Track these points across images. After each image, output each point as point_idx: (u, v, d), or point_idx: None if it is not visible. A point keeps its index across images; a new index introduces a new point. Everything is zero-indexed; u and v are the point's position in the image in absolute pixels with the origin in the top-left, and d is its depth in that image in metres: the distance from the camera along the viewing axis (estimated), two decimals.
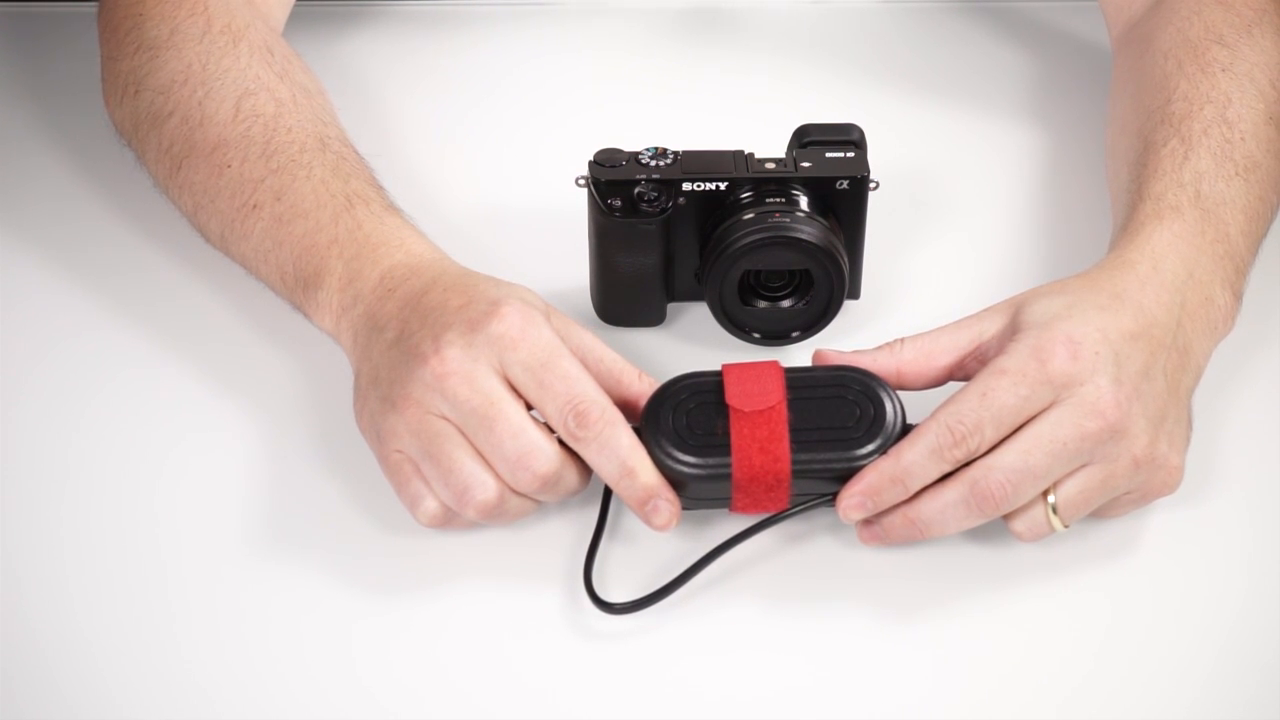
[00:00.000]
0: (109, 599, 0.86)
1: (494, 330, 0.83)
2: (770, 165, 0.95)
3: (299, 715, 0.81)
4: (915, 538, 0.84)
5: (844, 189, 0.94)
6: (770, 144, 0.97)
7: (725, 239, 0.93)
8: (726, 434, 0.83)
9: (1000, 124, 1.13)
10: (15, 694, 0.82)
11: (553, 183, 1.00)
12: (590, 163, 0.95)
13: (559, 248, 1.00)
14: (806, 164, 0.95)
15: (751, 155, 0.95)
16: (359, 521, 0.88)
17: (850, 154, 0.95)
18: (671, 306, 0.98)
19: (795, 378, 0.84)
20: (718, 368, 0.85)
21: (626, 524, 0.88)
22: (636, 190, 0.94)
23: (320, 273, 0.91)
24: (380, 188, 0.96)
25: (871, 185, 0.94)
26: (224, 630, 0.84)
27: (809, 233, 0.92)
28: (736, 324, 0.96)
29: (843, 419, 0.83)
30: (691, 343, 0.97)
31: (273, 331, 0.97)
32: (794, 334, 0.96)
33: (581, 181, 0.95)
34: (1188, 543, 0.88)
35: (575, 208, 0.96)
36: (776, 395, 0.83)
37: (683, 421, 0.83)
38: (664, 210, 0.94)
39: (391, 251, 0.90)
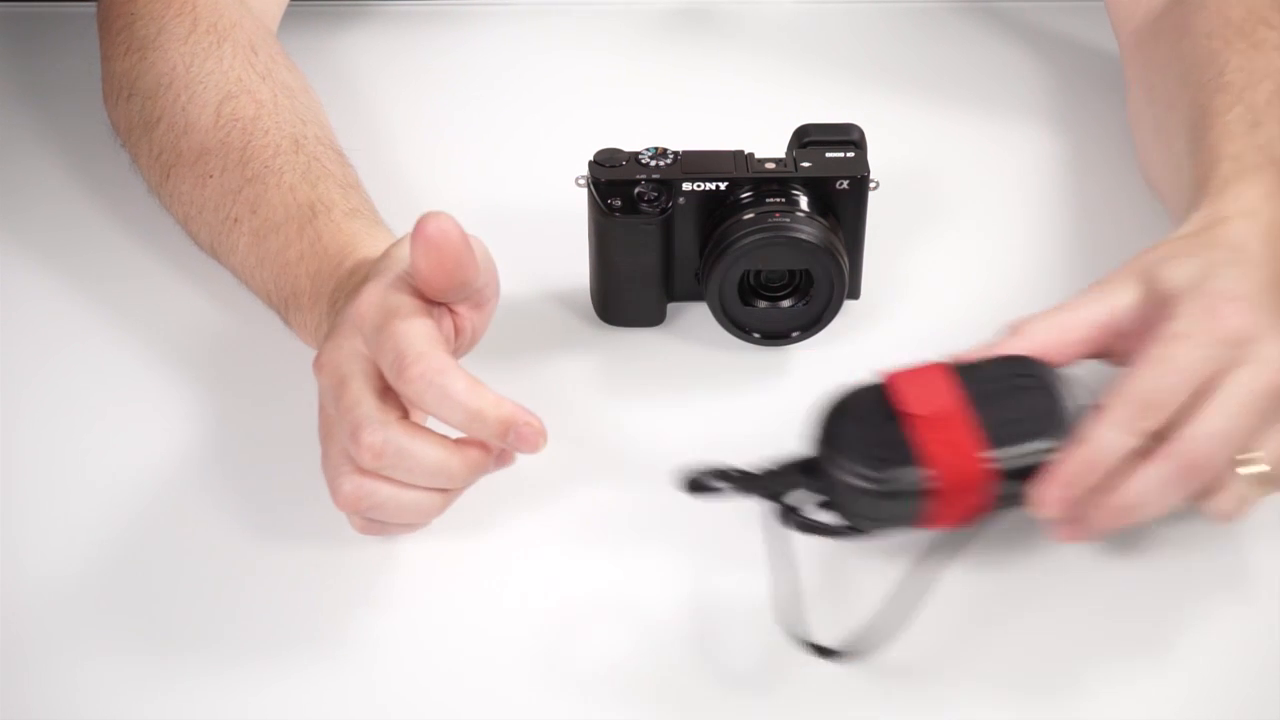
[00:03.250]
0: (111, 594, 0.85)
1: (349, 311, 0.82)
2: (770, 165, 0.95)
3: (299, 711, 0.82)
4: (1122, 523, 0.80)
5: (844, 189, 0.94)
6: (770, 144, 0.97)
7: (725, 239, 0.93)
8: (916, 443, 0.76)
9: (1000, 123, 1.13)
10: None
11: (553, 182, 1.00)
12: (590, 163, 0.95)
13: (559, 248, 1.00)
14: (806, 164, 0.95)
15: (751, 155, 0.95)
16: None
17: (850, 154, 0.95)
18: (671, 306, 0.99)
19: (964, 372, 0.79)
20: (877, 377, 0.80)
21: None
22: (636, 190, 0.94)
23: (296, 292, 0.91)
24: (349, 188, 0.95)
25: (871, 185, 0.95)
26: (225, 625, 0.84)
27: (809, 233, 0.93)
28: (736, 324, 0.96)
29: (1027, 408, 0.79)
30: (691, 343, 0.97)
31: (271, 332, 0.97)
32: (794, 334, 0.96)
33: (581, 181, 0.95)
34: (1191, 544, 0.88)
35: (575, 207, 0.96)
36: (955, 394, 0.78)
37: (862, 437, 0.78)
38: (664, 210, 0.94)
39: (344, 262, 0.89)
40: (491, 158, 1.10)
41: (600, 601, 0.85)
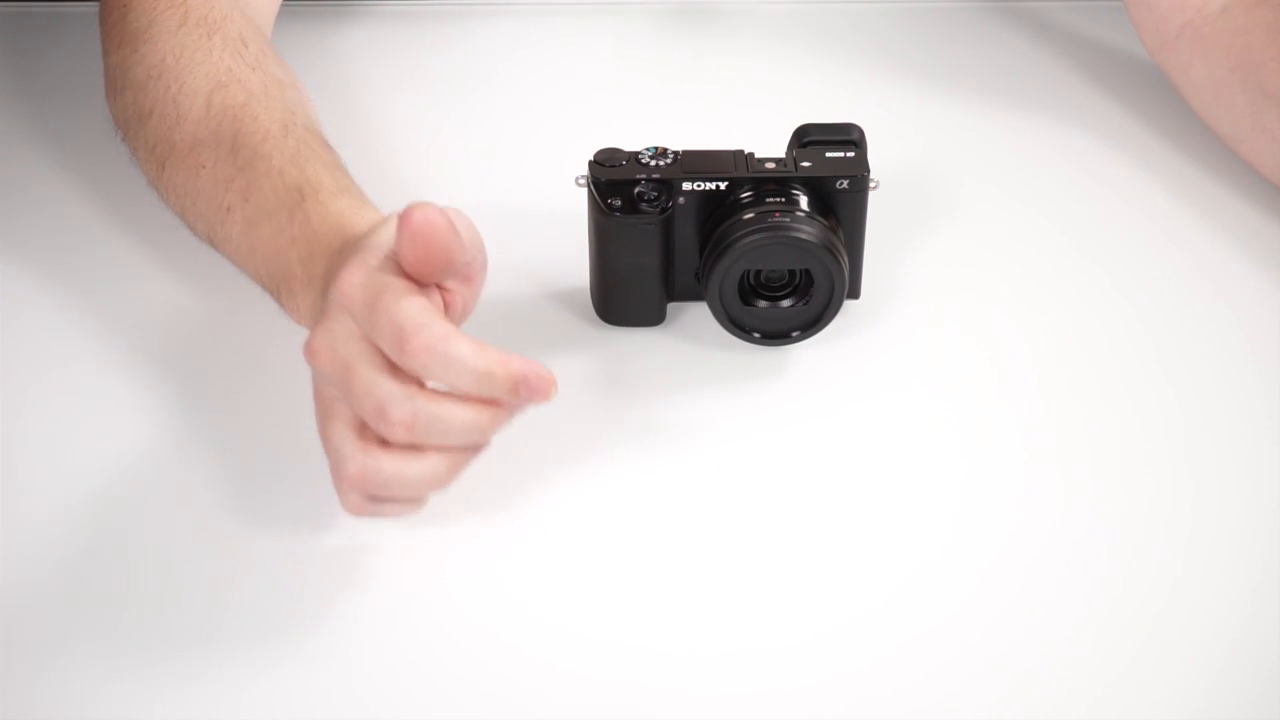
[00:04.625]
0: (85, 585, 0.85)
1: (332, 294, 0.81)
2: (770, 165, 0.95)
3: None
4: None
5: (844, 189, 0.94)
6: (770, 144, 0.97)
7: (725, 239, 0.93)
8: None
9: (1000, 122, 1.13)
10: None
11: (552, 182, 1.00)
12: (590, 162, 0.95)
13: (559, 248, 1.00)
14: (806, 164, 0.95)
15: (751, 155, 0.95)
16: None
17: (850, 154, 0.95)
18: (671, 306, 0.98)
19: None
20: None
21: None
22: (636, 190, 0.94)
23: (288, 277, 0.90)
24: (338, 169, 0.94)
25: (871, 185, 0.95)
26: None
27: (809, 233, 0.93)
28: (736, 324, 0.96)
29: None
30: (691, 343, 0.97)
31: (267, 334, 0.97)
32: (794, 334, 0.96)
33: (581, 181, 0.95)
34: (1186, 541, 0.88)
35: (575, 207, 0.96)
36: None
37: None
38: (664, 210, 0.94)
39: (334, 243, 0.88)
40: (491, 157, 1.10)
41: (599, 601, 0.85)
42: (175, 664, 0.83)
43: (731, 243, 0.93)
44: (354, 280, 0.80)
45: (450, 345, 0.78)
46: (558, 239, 1.00)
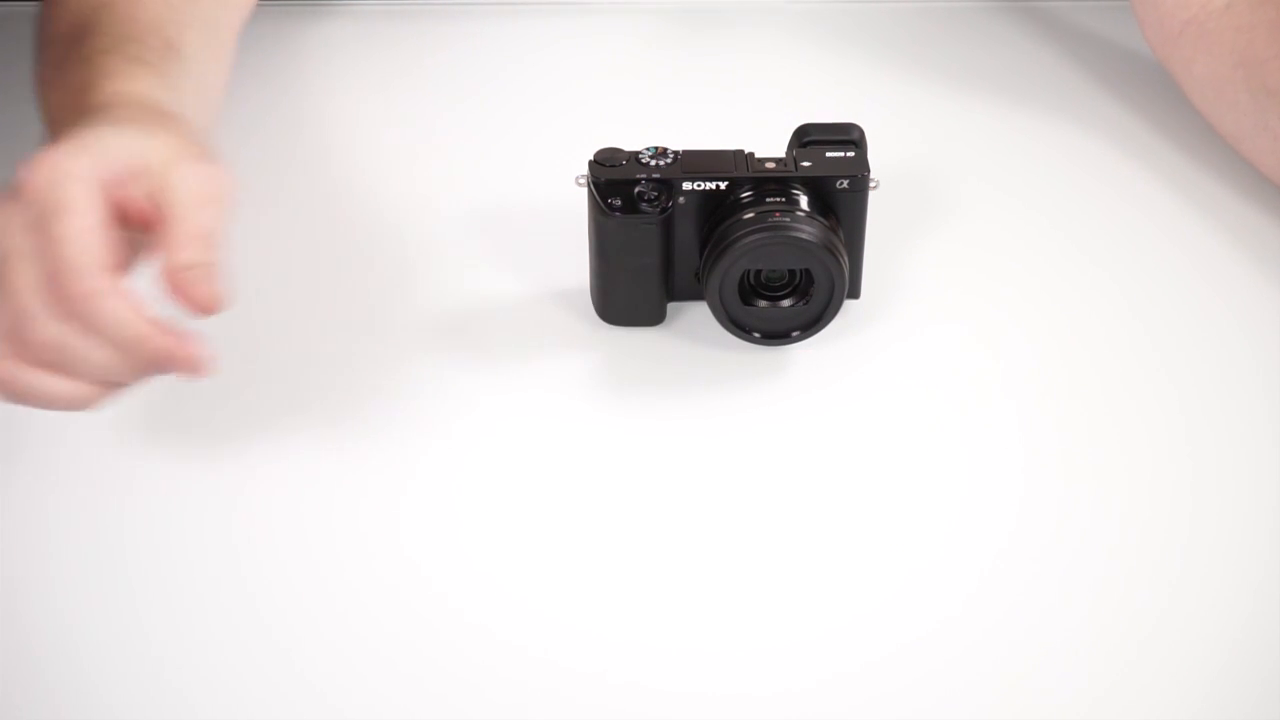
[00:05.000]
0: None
1: (22, 179, 0.74)
2: (770, 165, 0.94)
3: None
4: None
5: (844, 188, 0.94)
6: (770, 144, 0.97)
7: (725, 238, 0.93)
8: None
9: (1000, 122, 1.13)
10: None
11: (553, 182, 1.00)
12: (590, 162, 0.95)
13: (559, 248, 1.00)
14: (806, 163, 0.95)
15: (751, 155, 0.95)
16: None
17: (850, 153, 0.95)
18: (671, 306, 0.98)
19: None
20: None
21: None
22: (636, 190, 0.94)
23: (54, 137, 0.80)
24: (142, 42, 0.87)
25: (871, 185, 0.95)
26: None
27: (809, 232, 0.92)
28: (736, 324, 0.95)
29: None
30: (691, 342, 0.97)
31: (266, 329, 0.97)
32: (794, 334, 0.96)
33: (582, 181, 0.95)
34: (1186, 541, 0.88)
35: (575, 207, 0.96)
36: None
37: None
38: (664, 210, 0.94)
39: (92, 99, 0.82)
40: (491, 157, 1.10)
41: (598, 601, 0.85)
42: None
43: (731, 242, 0.93)
44: (44, 178, 0.75)
45: (104, 302, 0.74)
46: (558, 239, 1.00)
